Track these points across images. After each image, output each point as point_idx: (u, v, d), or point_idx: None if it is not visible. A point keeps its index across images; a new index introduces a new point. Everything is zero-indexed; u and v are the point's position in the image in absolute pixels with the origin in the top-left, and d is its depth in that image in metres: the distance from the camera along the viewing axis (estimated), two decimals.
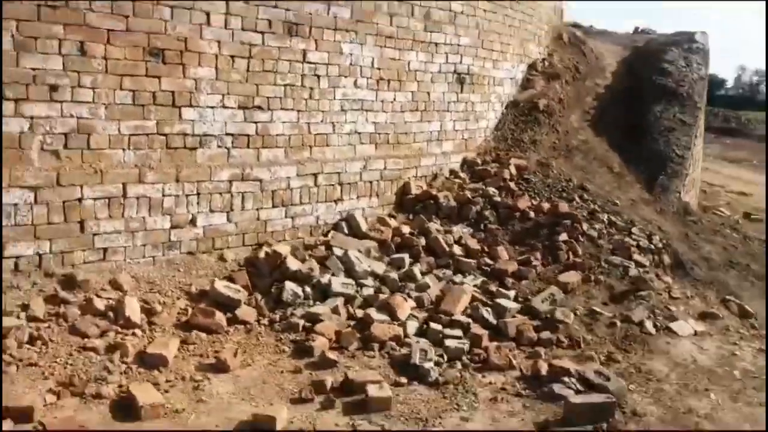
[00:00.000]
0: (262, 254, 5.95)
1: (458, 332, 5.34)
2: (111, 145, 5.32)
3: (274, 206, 6.29)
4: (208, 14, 5.64)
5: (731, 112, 36.25)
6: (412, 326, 5.39)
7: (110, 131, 5.30)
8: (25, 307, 4.79)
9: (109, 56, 5.20)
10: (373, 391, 4.34)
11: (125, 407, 4.03)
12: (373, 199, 7.17)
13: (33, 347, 4.53)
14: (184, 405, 4.17)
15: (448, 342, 5.15)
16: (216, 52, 5.74)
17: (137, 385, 4.19)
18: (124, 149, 5.39)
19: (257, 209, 6.18)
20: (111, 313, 4.96)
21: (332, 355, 4.89)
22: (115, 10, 5.17)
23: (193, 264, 5.79)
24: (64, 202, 5.11)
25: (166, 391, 4.29)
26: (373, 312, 5.40)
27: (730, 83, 62.60)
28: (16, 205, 4.91)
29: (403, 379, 4.70)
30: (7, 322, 4.58)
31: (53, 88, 4.99)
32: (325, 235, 6.68)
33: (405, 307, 5.54)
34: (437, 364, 4.89)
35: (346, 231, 6.72)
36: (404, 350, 5.07)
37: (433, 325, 5.39)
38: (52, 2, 4.89)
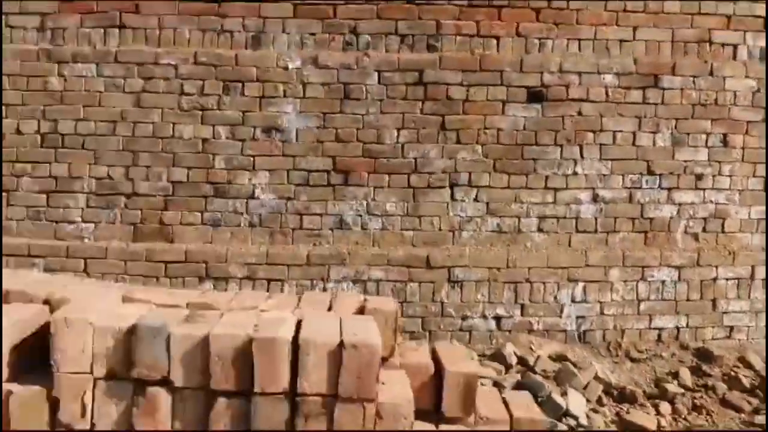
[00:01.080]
0: None
1: None
2: (741, 229, 5.65)
3: None
4: None
5: None
6: None
7: (741, 216, 5.64)
8: (674, 375, 5.28)
9: (746, 146, 5.58)
10: None
11: None
12: None
13: (699, 415, 4.94)
14: None
15: None
16: None
17: None
18: (752, 233, 5.67)
19: None
20: (758, 391, 5.15)
21: None
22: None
23: None
24: (701, 281, 5.55)
25: None
26: None
27: None
28: (663, 282, 5.51)
29: None
30: (669, 387, 5.10)
31: (698, 177, 5.54)
32: None
33: None
34: None
35: None
36: None
37: None
38: (703, 101, 5.49)
